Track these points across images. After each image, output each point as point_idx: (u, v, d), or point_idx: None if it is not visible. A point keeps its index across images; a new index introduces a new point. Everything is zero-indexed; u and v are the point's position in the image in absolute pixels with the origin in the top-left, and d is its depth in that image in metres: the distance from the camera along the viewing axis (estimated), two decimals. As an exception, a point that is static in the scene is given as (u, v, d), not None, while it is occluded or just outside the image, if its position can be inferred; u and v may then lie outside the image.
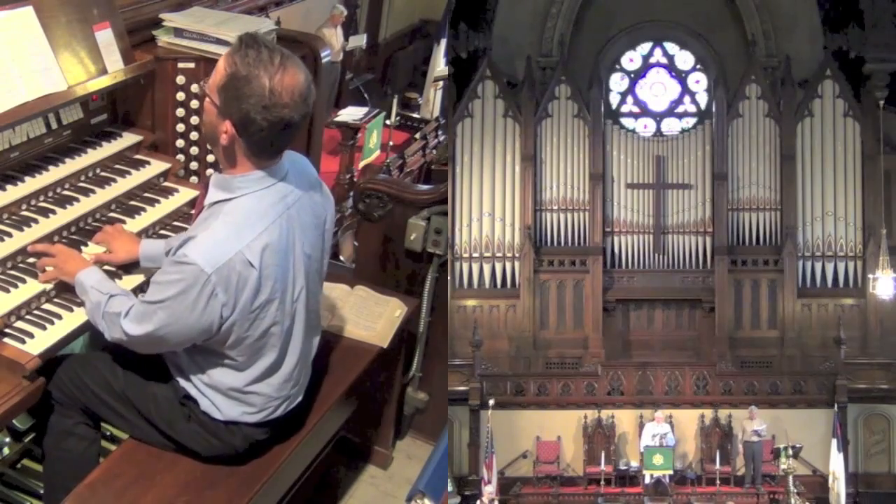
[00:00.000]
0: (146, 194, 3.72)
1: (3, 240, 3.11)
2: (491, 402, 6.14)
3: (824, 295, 7.18)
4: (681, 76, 7.77)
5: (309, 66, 2.71)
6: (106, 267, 3.23)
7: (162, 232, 3.61)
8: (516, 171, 7.24)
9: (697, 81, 7.75)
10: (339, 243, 6.44)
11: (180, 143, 4.03)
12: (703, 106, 7.70)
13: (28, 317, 2.93)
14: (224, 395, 2.91)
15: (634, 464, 6.34)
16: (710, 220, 7.23)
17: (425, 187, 4.95)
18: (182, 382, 2.94)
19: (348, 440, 4.32)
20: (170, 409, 2.96)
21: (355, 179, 7.33)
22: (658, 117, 7.76)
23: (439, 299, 4.60)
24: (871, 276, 6.75)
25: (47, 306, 3.00)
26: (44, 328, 2.89)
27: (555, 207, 7.26)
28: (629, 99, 7.77)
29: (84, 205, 3.44)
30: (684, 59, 7.76)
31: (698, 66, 7.73)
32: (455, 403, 6.15)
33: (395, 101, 7.83)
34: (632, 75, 7.76)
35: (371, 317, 4.05)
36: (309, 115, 2.71)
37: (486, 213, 7.22)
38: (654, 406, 6.44)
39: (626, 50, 7.74)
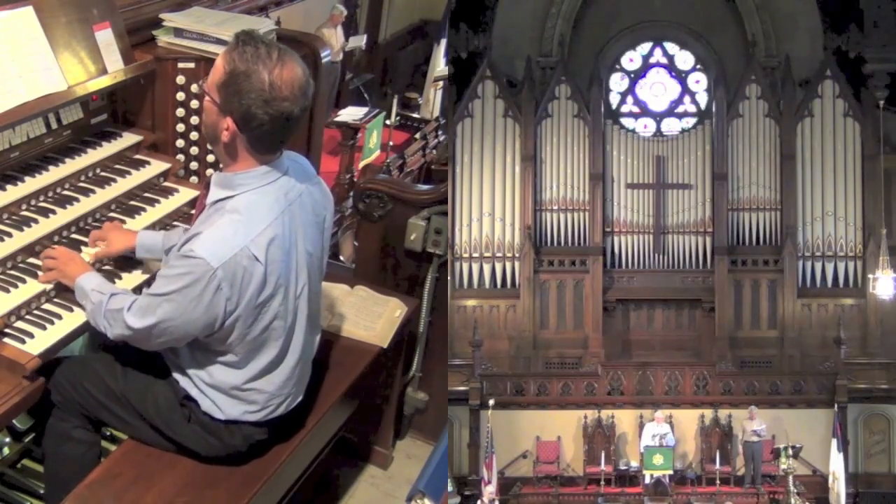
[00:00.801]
0: (146, 194, 3.72)
1: (3, 240, 3.11)
2: (491, 402, 6.13)
3: (824, 295, 7.18)
4: (681, 76, 7.77)
5: (309, 66, 2.73)
6: (105, 267, 3.23)
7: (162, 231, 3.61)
8: (516, 171, 7.24)
9: (697, 81, 7.75)
10: (339, 243, 6.44)
11: (180, 143, 4.03)
12: (703, 106, 7.70)
13: (28, 317, 2.93)
14: (226, 393, 2.91)
15: (634, 464, 6.34)
16: (710, 220, 7.23)
17: (425, 187, 4.95)
18: (183, 382, 2.93)
19: (348, 440, 4.32)
20: (170, 410, 2.96)
21: (355, 179, 7.33)
22: (658, 117, 7.76)
23: (439, 299, 4.60)
24: (871, 276, 6.75)
25: (47, 306, 3.00)
26: (44, 328, 2.89)
27: (555, 207, 7.26)
28: (629, 99, 7.77)
29: (84, 205, 3.44)
30: (684, 59, 7.76)
31: (698, 66, 7.73)
32: (455, 403, 6.15)
33: (395, 101, 7.82)
34: (632, 75, 7.77)
35: (371, 317, 4.05)
36: (308, 108, 2.74)
37: (486, 213, 7.22)
38: (654, 406, 6.44)
39: (626, 50, 7.74)
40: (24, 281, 3.01)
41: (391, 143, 7.92)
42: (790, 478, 5.92)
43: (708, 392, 6.56)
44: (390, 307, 4.14)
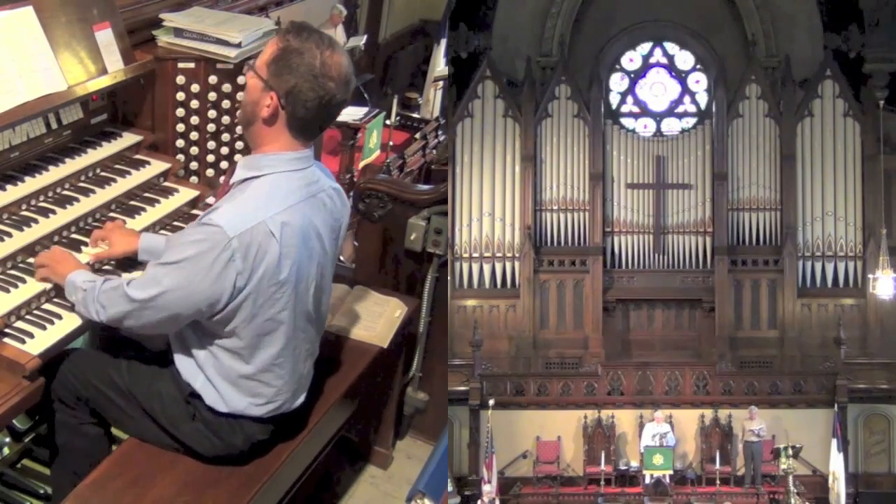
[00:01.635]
0: (146, 194, 3.72)
1: (3, 240, 3.11)
2: (491, 402, 6.13)
3: (824, 295, 7.18)
4: (681, 76, 7.76)
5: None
6: (106, 267, 3.23)
7: (163, 232, 3.60)
8: (516, 171, 7.24)
9: (697, 81, 7.75)
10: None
11: (180, 143, 4.03)
12: (703, 106, 7.70)
13: (28, 317, 2.93)
14: (233, 383, 2.91)
15: (634, 464, 6.34)
16: (710, 220, 7.23)
17: (425, 187, 4.95)
18: (190, 372, 2.93)
19: (348, 440, 4.32)
20: (175, 407, 2.97)
21: (355, 179, 7.31)
22: (658, 117, 7.75)
23: (439, 299, 4.60)
24: (871, 276, 6.74)
25: (47, 306, 3.00)
26: (44, 328, 2.89)
27: (555, 207, 7.26)
28: (629, 99, 7.76)
29: (84, 205, 3.44)
30: (684, 59, 7.75)
31: (698, 66, 7.73)
32: (455, 403, 6.15)
33: (395, 101, 7.80)
34: (632, 75, 7.76)
35: (371, 317, 4.05)
36: (347, 101, 2.83)
37: (486, 213, 7.22)
38: (654, 406, 6.44)
39: (626, 50, 7.73)
40: (24, 281, 3.01)
41: (391, 143, 7.91)
42: (790, 478, 5.92)
43: (708, 392, 6.56)
44: (390, 307, 4.15)
